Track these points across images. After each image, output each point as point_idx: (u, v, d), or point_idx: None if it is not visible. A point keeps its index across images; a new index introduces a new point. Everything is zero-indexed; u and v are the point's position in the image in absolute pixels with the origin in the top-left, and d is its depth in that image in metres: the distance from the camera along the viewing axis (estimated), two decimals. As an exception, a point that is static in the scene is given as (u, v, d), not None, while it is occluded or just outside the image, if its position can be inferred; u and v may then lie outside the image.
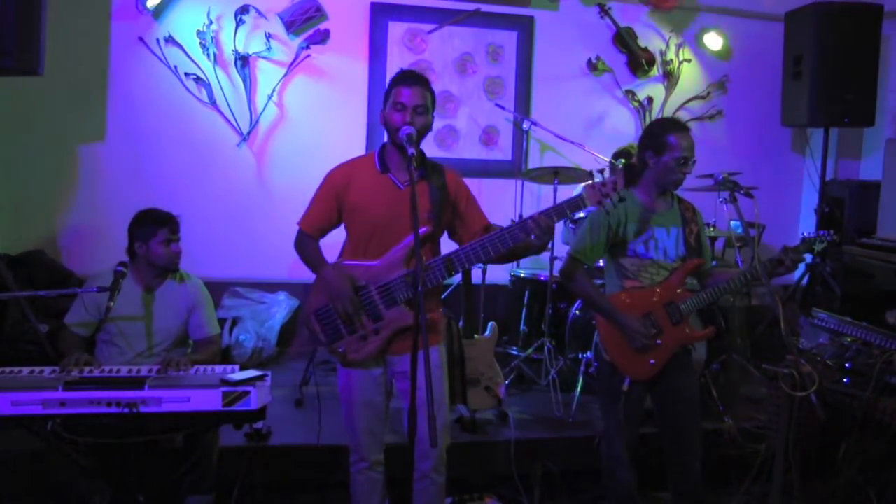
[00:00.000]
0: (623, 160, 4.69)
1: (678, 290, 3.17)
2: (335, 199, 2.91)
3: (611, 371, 3.18)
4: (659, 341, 3.12)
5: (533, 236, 2.71)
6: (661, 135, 3.16)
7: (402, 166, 2.83)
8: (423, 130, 2.83)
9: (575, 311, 4.63)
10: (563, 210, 2.74)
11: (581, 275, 3.21)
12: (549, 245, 4.73)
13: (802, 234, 3.22)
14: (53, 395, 2.72)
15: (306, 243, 2.98)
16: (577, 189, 5.01)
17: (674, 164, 3.13)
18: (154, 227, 3.34)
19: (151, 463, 3.02)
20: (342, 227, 2.99)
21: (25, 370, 2.98)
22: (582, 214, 4.51)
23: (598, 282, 3.56)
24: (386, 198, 2.84)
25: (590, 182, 2.80)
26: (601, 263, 3.36)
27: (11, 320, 4.33)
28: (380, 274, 2.82)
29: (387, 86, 2.90)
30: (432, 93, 2.87)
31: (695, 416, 3.22)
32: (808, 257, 5.45)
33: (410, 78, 2.85)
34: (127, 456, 2.92)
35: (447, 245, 2.96)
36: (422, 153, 2.91)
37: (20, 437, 3.03)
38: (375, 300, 2.82)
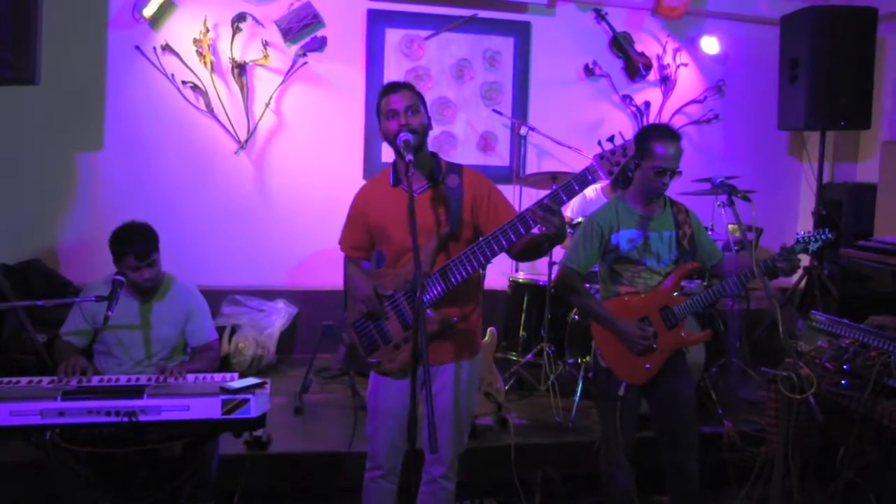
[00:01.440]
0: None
1: (673, 294, 3.18)
2: (361, 221, 2.96)
3: (607, 376, 3.19)
4: (654, 346, 3.13)
5: (539, 225, 2.56)
6: (645, 141, 3.15)
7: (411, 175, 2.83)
8: (422, 130, 2.79)
9: (574, 315, 4.63)
10: (571, 187, 2.59)
11: (576, 284, 3.22)
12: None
13: (799, 233, 3.21)
14: (52, 405, 2.72)
15: (347, 263, 3.05)
16: (572, 205, 5.03)
17: (653, 173, 3.11)
18: (121, 249, 3.28)
19: (150, 472, 3.02)
20: None
21: (23, 380, 2.97)
22: (581, 219, 4.52)
23: (594, 287, 3.57)
24: (400, 208, 2.77)
25: (598, 152, 2.61)
26: (595, 268, 3.36)
27: (9, 330, 4.33)
28: (405, 280, 2.81)
29: (376, 105, 2.88)
30: (420, 93, 2.86)
31: (690, 418, 3.23)
32: (808, 259, 5.47)
33: (394, 85, 2.85)
34: (126, 465, 2.91)
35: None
36: (432, 155, 2.89)
37: (18, 448, 3.03)
38: (403, 307, 2.81)
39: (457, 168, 2.93)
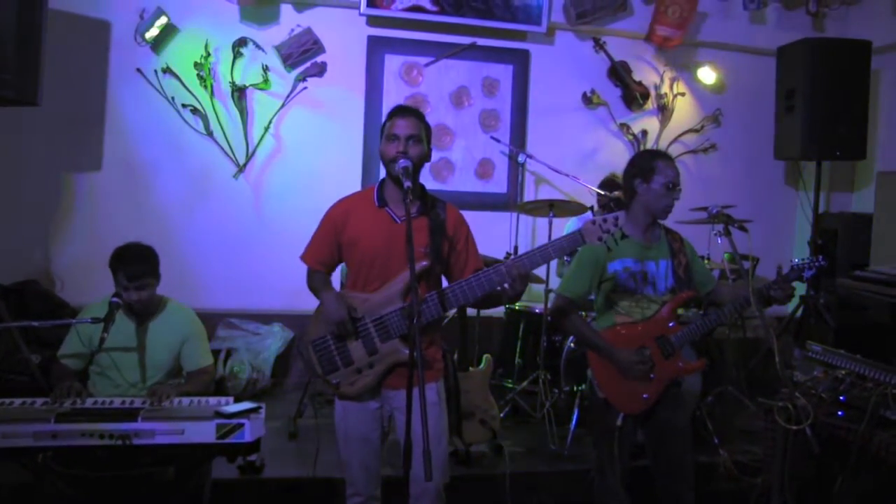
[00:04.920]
0: (617, 193, 4.70)
1: (669, 324, 3.17)
2: (334, 235, 2.92)
3: (604, 407, 3.17)
4: (652, 375, 3.12)
5: (506, 284, 2.69)
6: (648, 161, 3.18)
7: (400, 200, 2.83)
8: (420, 161, 2.82)
9: (570, 343, 4.63)
10: (562, 248, 2.72)
11: (572, 313, 3.22)
12: (543, 276, 4.74)
13: (793, 260, 3.23)
14: (45, 428, 2.70)
15: (313, 275, 2.99)
16: (568, 224, 5.06)
17: (664, 189, 3.13)
18: (115, 266, 3.29)
19: (143, 496, 2.99)
20: None
21: (17, 402, 2.96)
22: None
23: (590, 315, 3.56)
24: (382, 232, 2.84)
25: (590, 219, 2.73)
26: (592, 297, 3.36)
27: (3, 351, 4.30)
28: (376, 307, 2.81)
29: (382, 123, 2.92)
30: (427, 124, 2.89)
31: (685, 447, 3.21)
32: (804, 288, 5.48)
33: (403, 110, 2.88)
34: (118, 489, 2.89)
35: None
36: (422, 187, 2.90)
37: (10, 470, 3.01)
38: (371, 333, 2.81)
39: (441, 203, 2.96)
